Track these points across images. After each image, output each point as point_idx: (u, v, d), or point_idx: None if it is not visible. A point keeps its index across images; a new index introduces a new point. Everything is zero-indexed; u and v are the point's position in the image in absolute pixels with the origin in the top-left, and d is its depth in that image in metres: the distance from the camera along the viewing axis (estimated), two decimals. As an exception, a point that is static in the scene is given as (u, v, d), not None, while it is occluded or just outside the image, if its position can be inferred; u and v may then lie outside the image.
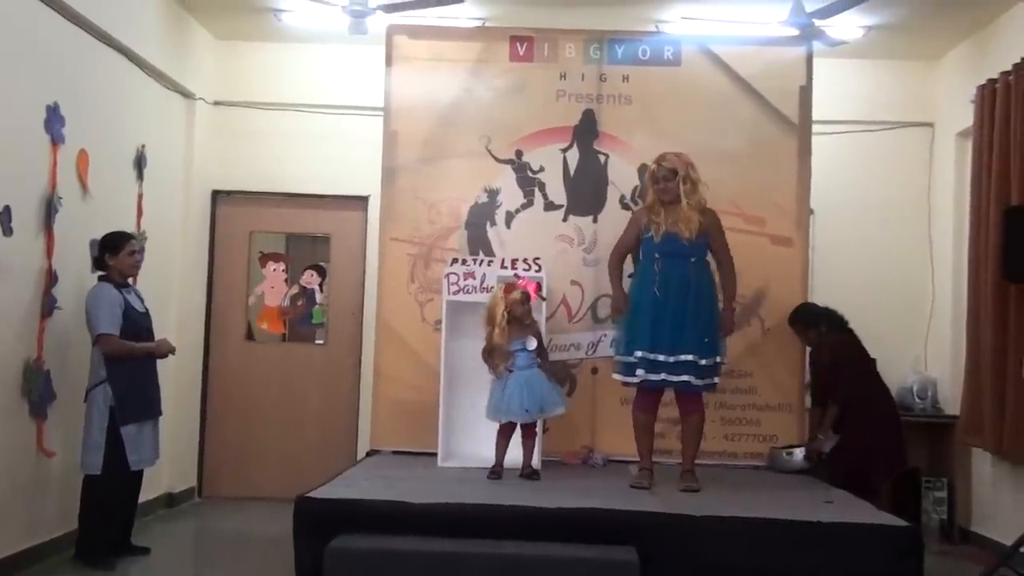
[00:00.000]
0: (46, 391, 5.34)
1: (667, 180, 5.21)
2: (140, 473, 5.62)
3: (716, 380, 5.27)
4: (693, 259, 5.21)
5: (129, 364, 5.42)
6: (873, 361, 6.09)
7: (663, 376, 5.12)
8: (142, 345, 5.53)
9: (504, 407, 5.35)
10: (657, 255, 5.22)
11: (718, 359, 5.23)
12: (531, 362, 5.40)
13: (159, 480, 6.78)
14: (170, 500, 7.04)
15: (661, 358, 5.10)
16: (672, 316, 5.12)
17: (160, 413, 5.75)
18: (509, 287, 5.49)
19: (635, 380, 5.18)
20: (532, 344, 5.41)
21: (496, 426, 5.47)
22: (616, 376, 5.33)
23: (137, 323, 5.53)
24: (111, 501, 5.38)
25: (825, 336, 6.00)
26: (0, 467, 5.02)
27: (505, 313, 5.36)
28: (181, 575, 5.74)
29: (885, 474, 5.90)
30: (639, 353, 5.13)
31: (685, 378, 5.11)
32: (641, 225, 5.35)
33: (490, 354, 5.42)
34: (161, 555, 5.74)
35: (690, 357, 5.08)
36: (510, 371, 5.36)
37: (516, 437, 5.46)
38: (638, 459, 5.37)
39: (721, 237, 5.38)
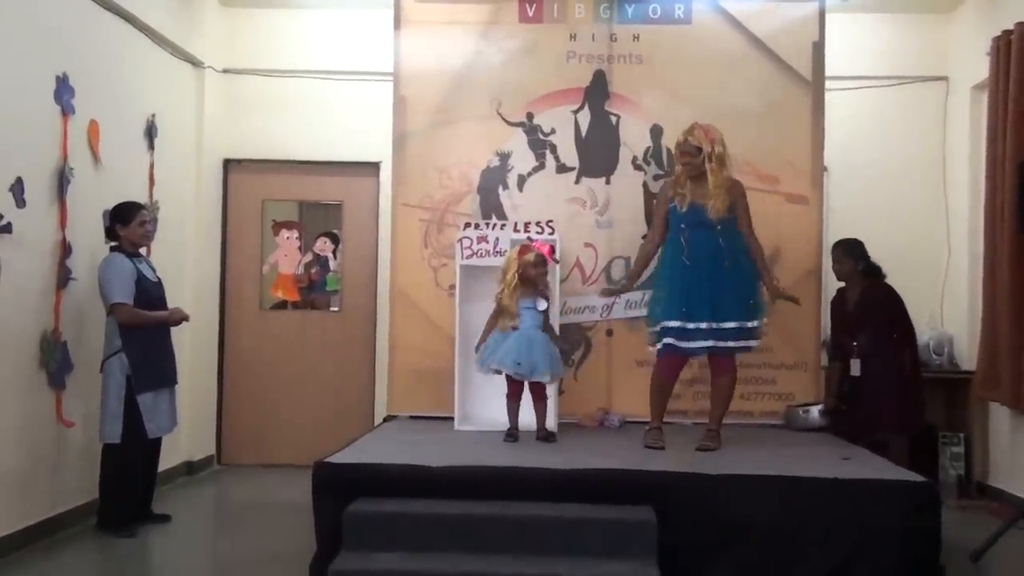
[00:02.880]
0: (64, 362, 5.37)
1: (691, 156, 5.14)
2: (158, 441, 5.67)
3: (755, 342, 5.24)
4: (720, 226, 5.13)
5: (143, 333, 5.45)
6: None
7: (700, 344, 5.06)
8: (155, 314, 5.55)
9: (498, 358, 5.31)
10: (683, 225, 5.17)
11: (759, 322, 5.18)
12: (537, 323, 5.38)
13: (179, 448, 6.85)
14: (190, 468, 7.10)
15: (704, 326, 5.04)
16: (708, 283, 5.06)
17: (176, 381, 5.79)
18: (524, 249, 5.48)
19: (667, 344, 5.12)
20: (543, 305, 5.39)
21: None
22: (653, 349, 5.27)
23: (150, 292, 5.55)
24: (131, 469, 5.44)
25: (858, 275, 5.95)
26: (22, 438, 5.08)
27: (516, 274, 5.36)
28: (202, 541, 5.79)
29: (894, 431, 5.84)
30: (672, 323, 5.08)
31: (728, 344, 5.08)
32: (668, 198, 5.28)
33: (498, 315, 5.42)
34: (182, 522, 5.80)
35: (733, 324, 5.05)
36: (514, 328, 5.35)
37: (527, 402, 5.46)
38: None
39: (745, 214, 5.25)
